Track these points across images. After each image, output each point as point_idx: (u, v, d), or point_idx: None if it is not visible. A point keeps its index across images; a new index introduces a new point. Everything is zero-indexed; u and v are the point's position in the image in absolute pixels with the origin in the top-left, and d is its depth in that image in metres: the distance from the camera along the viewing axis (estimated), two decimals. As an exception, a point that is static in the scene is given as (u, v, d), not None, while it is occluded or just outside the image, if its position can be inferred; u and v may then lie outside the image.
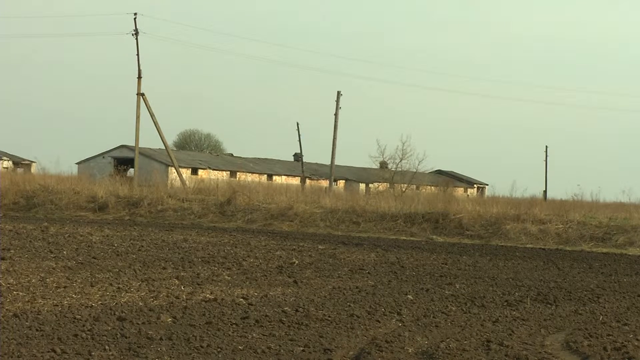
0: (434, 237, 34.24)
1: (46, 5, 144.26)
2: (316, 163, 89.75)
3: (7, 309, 12.15)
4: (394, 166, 77.84)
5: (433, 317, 13.34)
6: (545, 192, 69.93)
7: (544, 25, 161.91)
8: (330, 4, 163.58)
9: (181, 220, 38.00)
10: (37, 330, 10.80)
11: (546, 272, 21.92)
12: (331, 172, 68.64)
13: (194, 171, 75.66)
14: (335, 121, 66.20)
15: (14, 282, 14.87)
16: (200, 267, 18.88)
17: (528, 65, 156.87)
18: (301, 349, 10.39)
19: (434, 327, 12.40)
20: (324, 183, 71.79)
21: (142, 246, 23.52)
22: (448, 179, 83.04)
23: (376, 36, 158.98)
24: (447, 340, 11.25)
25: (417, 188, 66.78)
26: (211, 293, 14.82)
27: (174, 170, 58.92)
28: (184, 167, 70.42)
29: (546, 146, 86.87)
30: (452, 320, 13.12)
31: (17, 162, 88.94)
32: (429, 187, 65.25)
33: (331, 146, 66.64)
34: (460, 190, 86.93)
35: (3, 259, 18.38)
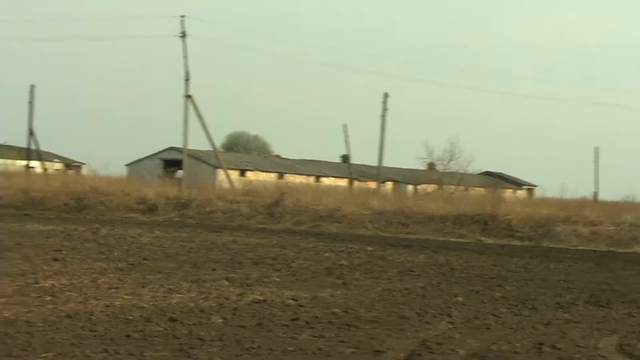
0: (483, 238, 34.05)
1: (96, 8, 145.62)
2: (364, 165, 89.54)
3: (60, 310, 12.28)
4: (442, 167, 77.51)
5: (484, 319, 13.25)
6: (596, 193, 69.15)
7: (600, 31, 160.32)
8: (379, 4, 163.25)
9: (230, 222, 38.16)
10: (90, 330, 10.90)
11: (598, 274, 21.70)
12: (379, 173, 68.51)
13: (242, 173, 75.98)
14: (383, 123, 66.02)
15: (67, 283, 15.03)
16: (249, 269, 18.95)
17: (575, 66, 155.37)
18: (351, 350, 10.38)
19: (484, 329, 12.31)
20: (372, 185, 71.58)
21: (192, 247, 23.65)
22: (497, 180, 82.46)
23: (421, 36, 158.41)
24: (498, 342, 11.18)
25: (466, 189, 66.43)
26: (261, 294, 14.86)
27: (222, 172, 59.19)
28: (232, 169, 70.70)
29: (597, 147, 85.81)
30: (503, 322, 13.03)
31: (68, 164, 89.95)
32: (477, 188, 64.87)
33: (378, 148, 66.52)
34: (508, 192, 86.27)
35: (55, 259, 18.59)
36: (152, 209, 40.71)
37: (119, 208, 40.68)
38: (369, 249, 26.38)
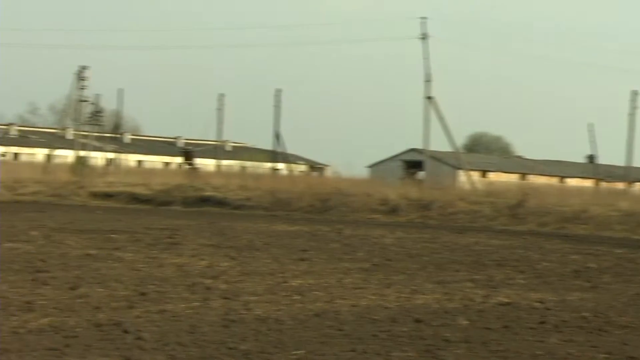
0: None
1: (336, 10, 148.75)
2: (611, 165, 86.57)
3: (308, 308, 12.58)
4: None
5: None
6: None
7: None
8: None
9: (472, 223, 37.83)
10: (337, 329, 11.09)
11: None
12: (628, 174, 66.00)
13: (484, 174, 75.27)
14: (630, 121, 63.67)
15: (314, 283, 15.37)
16: (493, 270, 18.69)
17: None
18: (604, 356, 10.01)
19: None
20: (620, 185, 69.06)
21: (435, 249, 23.63)
22: None
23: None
24: None
25: None
26: (506, 296, 14.61)
27: (464, 173, 58.91)
28: (474, 170, 70.17)
29: None
30: None
31: (312, 166, 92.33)
32: None
33: (626, 147, 64.15)
34: None
35: (302, 260, 19.06)
36: (394, 210, 40.99)
37: (361, 209, 41.21)
38: (618, 251, 25.40)
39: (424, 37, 57.57)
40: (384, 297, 13.98)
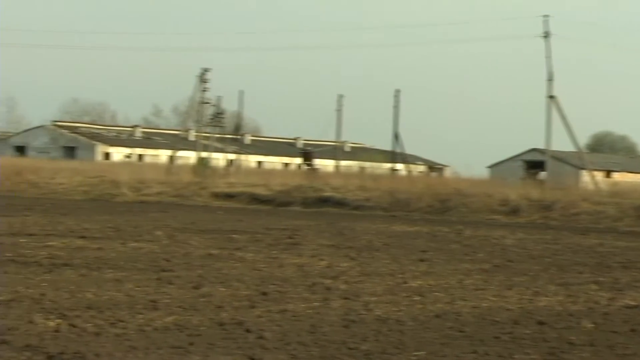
0: None
1: (451, 9, 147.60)
2: None
3: (429, 309, 12.51)
4: None
5: None
6: None
7: None
8: None
9: (595, 224, 36.98)
10: (458, 331, 11.00)
11: None
12: None
13: (608, 174, 73.60)
14: None
15: (434, 284, 15.28)
16: (618, 273, 18.23)
17: None
18: None
19: None
20: None
21: (557, 250, 23.19)
22: None
23: None
24: None
25: None
26: (633, 299, 14.24)
27: (587, 173, 57.70)
28: (597, 170, 68.67)
29: None
30: None
31: (431, 167, 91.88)
32: None
33: None
34: None
35: (422, 260, 18.97)
36: (514, 211, 40.41)
37: (481, 210, 40.78)
38: None
39: (546, 35, 56.55)
40: (506, 299, 13.80)
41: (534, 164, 75.21)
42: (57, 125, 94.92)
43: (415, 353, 9.64)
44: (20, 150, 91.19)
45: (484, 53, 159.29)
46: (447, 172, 72.52)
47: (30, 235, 20.86)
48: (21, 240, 19.42)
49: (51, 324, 10.31)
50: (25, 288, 12.75)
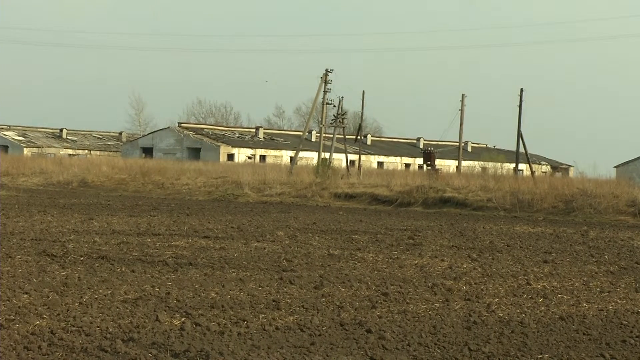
0: None
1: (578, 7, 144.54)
2: None
3: (552, 312, 12.28)
4: None
5: None
6: None
7: None
8: None
9: None
10: (583, 334, 10.77)
11: None
12: None
13: None
14: None
15: (558, 285, 14.99)
16: None
17: None
18: None
19: None
20: None
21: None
22: None
23: None
24: None
25: None
26: None
27: None
28: None
29: None
30: None
31: (555, 167, 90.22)
32: None
33: None
34: None
35: (545, 262, 18.64)
36: (643, 212, 39.29)
37: (607, 211, 39.84)
38: None
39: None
40: (634, 302, 13.44)
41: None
42: (182, 127, 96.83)
43: (539, 356, 9.48)
44: (148, 151, 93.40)
45: (609, 49, 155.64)
46: (572, 172, 71.08)
47: (156, 235, 21.35)
48: (147, 240, 19.89)
49: (176, 322, 10.52)
50: (152, 287, 13.05)
